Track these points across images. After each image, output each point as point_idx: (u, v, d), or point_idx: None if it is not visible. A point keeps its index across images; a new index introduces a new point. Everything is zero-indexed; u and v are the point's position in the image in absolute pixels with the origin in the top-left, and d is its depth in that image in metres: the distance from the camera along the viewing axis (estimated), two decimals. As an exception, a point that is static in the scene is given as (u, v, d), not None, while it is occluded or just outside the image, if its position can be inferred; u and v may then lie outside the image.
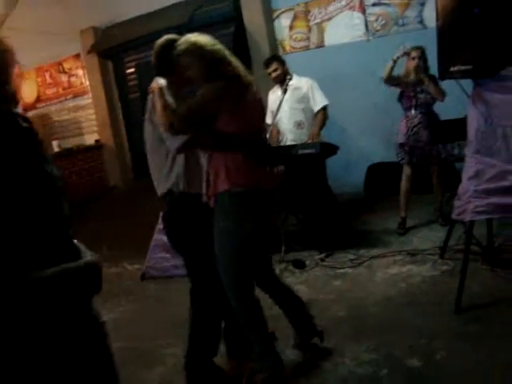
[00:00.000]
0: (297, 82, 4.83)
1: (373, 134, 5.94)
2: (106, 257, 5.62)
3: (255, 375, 2.60)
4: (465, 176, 3.06)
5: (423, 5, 5.59)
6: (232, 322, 2.71)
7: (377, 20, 5.90)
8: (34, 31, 7.79)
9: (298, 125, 4.93)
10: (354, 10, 6.01)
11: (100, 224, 6.85)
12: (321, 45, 6.30)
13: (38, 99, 8.93)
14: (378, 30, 5.92)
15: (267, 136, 4.18)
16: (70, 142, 8.46)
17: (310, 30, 6.32)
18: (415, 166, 4.65)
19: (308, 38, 6.37)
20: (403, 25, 5.75)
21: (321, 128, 4.90)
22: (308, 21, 6.31)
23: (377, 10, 5.88)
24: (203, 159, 2.45)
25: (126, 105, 8.05)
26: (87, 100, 8.38)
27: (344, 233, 4.81)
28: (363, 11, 5.95)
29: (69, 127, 8.68)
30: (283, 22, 6.46)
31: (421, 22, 5.64)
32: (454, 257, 3.81)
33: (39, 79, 8.82)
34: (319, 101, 4.87)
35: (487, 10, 2.79)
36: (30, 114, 8.98)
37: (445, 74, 3.00)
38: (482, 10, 2.80)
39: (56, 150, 8.08)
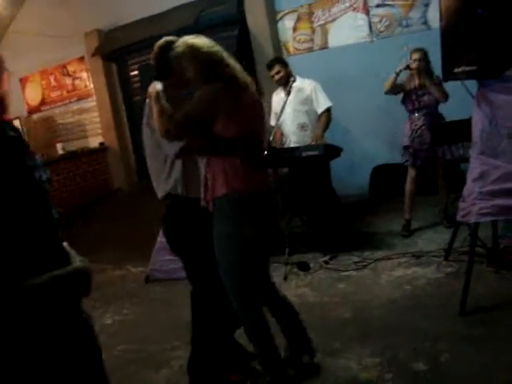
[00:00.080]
0: (300, 83, 4.82)
1: (377, 135, 5.93)
2: (110, 259, 5.64)
3: (259, 378, 2.59)
4: (469, 177, 3.05)
5: (427, 6, 5.57)
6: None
7: (381, 21, 5.88)
8: (38, 34, 7.83)
9: (302, 127, 4.92)
10: (357, 12, 5.99)
11: (104, 226, 6.86)
12: (325, 46, 6.29)
13: (43, 102, 8.95)
14: (381, 31, 5.91)
15: (271, 138, 4.19)
16: (75, 145, 8.47)
17: (313, 31, 6.31)
18: (420, 168, 4.63)
19: (312, 40, 6.35)
20: (407, 26, 5.74)
21: (324, 130, 4.89)
22: (312, 22, 6.29)
23: (381, 11, 5.86)
24: (201, 164, 2.44)
25: (130, 107, 8.06)
26: (91, 103, 8.39)
27: (348, 235, 4.80)
28: (367, 12, 5.94)
29: (73, 130, 8.70)
30: (287, 24, 6.45)
31: (425, 22, 5.62)
32: (459, 259, 3.79)
33: (44, 82, 8.84)
34: (323, 103, 4.86)
35: (491, 11, 2.78)
36: (34, 116, 9.05)
37: (449, 75, 2.99)
38: (486, 11, 2.78)
39: (60, 152, 8.11)
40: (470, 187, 3.02)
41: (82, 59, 8.30)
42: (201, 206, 2.43)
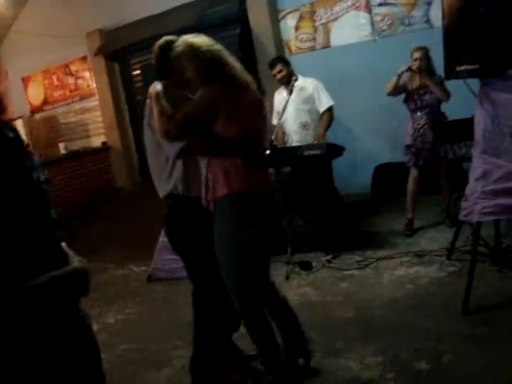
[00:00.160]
0: (302, 82, 4.82)
1: (379, 134, 5.92)
2: (112, 259, 5.65)
3: (261, 378, 2.59)
4: (472, 177, 3.04)
5: (430, 4, 5.55)
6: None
7: (383, 20, 5.87)
8: (40, 34, 7.84)
9: (304, 126, 4.91)
10: (359, 10, 5.98)
11: (107, 226, 6.87)
12: (327, 45, 6.28)
13: (46, 101, 8.96)
14: (384, 30, 5.89)
15: (273, 137, 4.18)
16: (77, 145, 8.48)
17: (315, 30, 6.30)
18: (422, 168, 4.62)
19: (314, 39, 6.34)
20: (409, 24, 5.72)
21: (326, 129, 4.88)
22: (314, 21, 6.28)
23: (383, 9, 5.85)
24: (202, 164, 2.44)
25: (132, 107, 8.06)
26: (94, 102, 8.40)
27: (351, 234, 4.79)
28: (369, 11, 5.92)
29: (76, 129, 8.70)
30: (289, 23, 6.43)
31: (427, 21, 5.60)
32: (462, 258, 3.78)
33: (46, 82, 8.85)
34: (325, 101, 4.86)
35: (493, 9, 2.77)
36: (37, 116, 9.06)
37: (451, 73, 2.98)
38: (488, 9, 2.77)
39: (63, 152, 8.12)
40: (473, 186, 3.01)
41: (84, 59, 8.31)
42: (201, 205, 2.43)
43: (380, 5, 5.85)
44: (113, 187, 8.34)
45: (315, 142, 4.75)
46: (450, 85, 4.23)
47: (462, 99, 3.51)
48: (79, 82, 8.51)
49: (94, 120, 8.50)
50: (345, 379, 2.63)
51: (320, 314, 3.44)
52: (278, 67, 4.83)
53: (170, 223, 2.61)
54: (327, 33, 6.23)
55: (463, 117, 3.83)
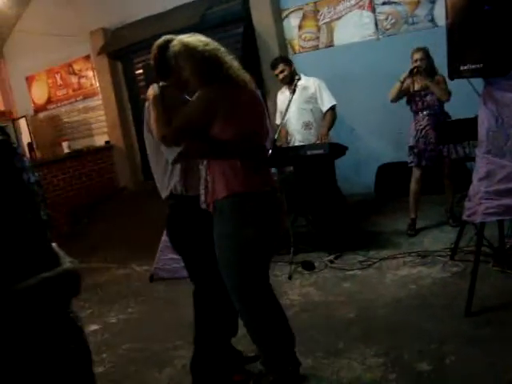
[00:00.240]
0: (305, 82, 4.81)
1: (382, 133, 5.90)
2: (115, 258, 5.66)
3: (262, 378, 2.58)
4: (475, 177, 3.02)
5: (433, 3, 5.52)
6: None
7: (387, 19, 5.84)
8: (44, 33, 7.85)
9: (306, 125, 4.90)
10: (363, 9, 5.96)
11: (109, 225, 6.88)
12: (330, 44, 6.26)
13: (49, 101, 8.97)
14: (387, 29, 5.87)
15: (275, 137, 4.17)
16: (80, 144, 8.48)
17: (319, 29, 6.28)
18: (425, 168, 4.61)
19: (317, 38, 6.32)
20: (413, 23, 5.69)
21: (329, 128, 4.87)
22: (317, 20, 6.26)
23: (386, 8, 5.82)
24: (201, 165, 2.43)
25: (135, 106, 8.05)
26: (97, 101, 8.40)
27: (353, 234, 4.78)
28: (373, 10, 5.90)
29: (79, 128, 8.71)
30: (292, 22, 6.42)
31: (431, 20, 5.58)
32: (465, 258, 3.76)
33: (50, 81, 8.86)
34: (327, 101, 4.84)
35: (498, 8, 2.74)
36: (40, 115, 9.08)
37: (454, 73, 2.95)
38: (493, 8, 2.75)
39: (66, 151, 8.11)
40: (476, 187, 2.99)
41: (87, 58, 8.31)
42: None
43: (384, 4, 5.82)
44: (116, 186, 8.35)
45: (318, 142, 4.73)
46: (453, 84, 4.20)
47: (465, 98, 3.49)
48: (82, 81, 8.52)
49: (97, 119, 8.51)
50: (346, 380, 2.62)
51: (322, 314, 3.43)
52: (280, 67, 4.82)
53: (170, 223, 2.61)
54: (331, 32, 6.21)
55: (467, 116, 3.81)
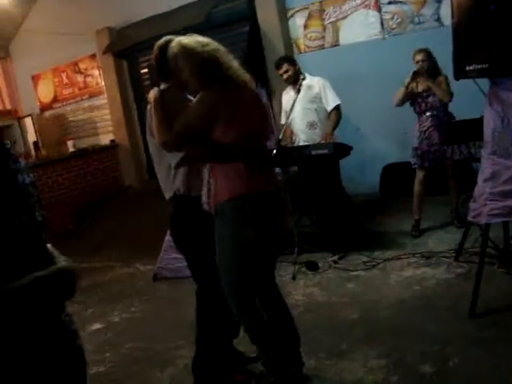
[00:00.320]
0: (309, 81, 4.79)
1: (387, 133, 5.87)
2: (119, 257, 5.66)
3: (263, 379, 2.57)
4: (481, 178, 3.00)
5: (440, 2, 5.49)
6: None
7: (392, 18, 5.82)
8: (50, 32, 7.87)
9: (311, 125, 4.88)
10: (369, 9, 5.93)
11: (114, 224, 6.89)
12: (336, 44, 6.24)
13: (55, 99, 9.00)
14: (393, 29, 5.84)
15: (280, 136, 4.16)
16: (86, 142, 8.51)
17: (324, 28, 6.26)
18: (429, 169, 4.58)
19: (323, 37, 6.30)
20: (419, 23, 5.67)
21: (334, 128, 4.84)
22: (323, 20, 6.24)
23: (392, 8, 5.80)
24: (204, 168, 2.42)
25: (141, 105, 8.05)
26: (102, 100, 8.42)
27: (358, 234, 4.76)
28: (379, 9, 5.88)
29: (84, 127, 8.73)
30: (298, 21, 6.40)
31: (438, 19, 5.55)
32: (470, 259, 3.73)
33: (56, 79, 8.89)
34: (332, 100, 4.82)
35: (504, 7, 2.72)
36: (46, 114, 9.12)
37: (460, 73, 2.93)
38: (499, 7, 2.73)
39: (71, 150, 8.14)
40: (481, 188, 2.97)
41: (93, 57, 8.33)
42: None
43: (389, 3, 5.80)
44: (121, 185, 8.36)
45: (323, 142, 4.71)
46: (459, 84, 4.17)
47: (470, 99, 3.46)
48: (88, 79, 8.54)
49: (102, 118, 8.53)
50: (349, 382, 2.60)
51: (325, 315, 3.42)
52: (285, 67, 4.80)
53: (174, 223, 2.61)
54: (336, 31, 6.19)
55: (472, 117, 3.78)
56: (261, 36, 6.49)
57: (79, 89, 8.68)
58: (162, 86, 2.47)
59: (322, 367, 2.75)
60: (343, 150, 4.46)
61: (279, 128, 4.74)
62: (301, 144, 4.84)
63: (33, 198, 1.16)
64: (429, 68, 4.48)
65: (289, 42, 6.46)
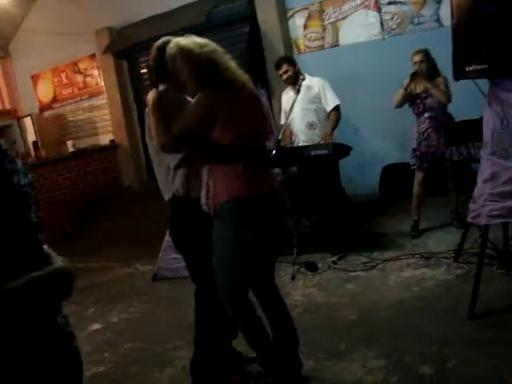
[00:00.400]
0: (309, 81, 4.79)
1: (387, 134, 5.87)
2: (118, 257, 5.66)
3: (261, 379, 2.57)
4: (480, 178, 2.99)
5: (439, 3, 5.49)
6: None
7: (392, 19, 5.82)
8: (49, 32, 7.87)
9: (310, 125, 4.88)
10: (369, 9, 5.93)
11: (114, 224, 6.88)
12: (336, 44, 6.24)
13: (55, 99, 8.99)
14: (393, 29, 5.84)
15: (279, 137, 4.16)
16: (85, 142, 8.50)
17: (324, 29, 6.26)
18: (428, 170, 4.58)
19: (323, 38, 6.30)
20: (419, 23, 5.66)
21: (333, 128, 4.84)
22: (322, 20, 6.24)
23: (392, 8, 5.80)
24: (203, 169, 2.43)
25: (140, 105, 8.03)
26: (102, 100, 8.41)
27: (357, 235, 4.75)
28: (378, 10, 5.87)
29: (84, 127, 8.72)
30: (297, 22, 6.40)
31: (437, 20, 5.55)
32: (469, 260, 3.73)
33: (55, 79, 8.88)
34: (331, 100, 4.82)
35: (504, 8, 2.71)
36: (46, 114, 9.11)
37: (460, 74, 2.93)
38: (499, 8, 2.72)
39: (71, 150, 8.13)
40: (481, 188, 2.97)
41: (93, 56, 8.33)
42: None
43: (389, 3, 5.80)
44: (120, 185, 8.35)
45: (322, 142, 4.71)
46: (459, 85, 4.17)
47: (470, 99, 3.45)
48: (88, 79, 8.54)
49: (102, 118, 8.52)
50: (348, 383, 2.60)
51: (325, 316, 3.42)
52: (284, 67, 4.80)
53: (173, 223, 2.62)
54: (336, 32, 6.19)
55: (472, 117, 3.77)
56: (261, 36, 6.49)
57: (79, 89, 8.67)
58: (161, 88, 2.47)
59: (321, 368, 2.75)
60: (343, 150, 4.46)
61: (279, 128, 4.73)
62: (300, 144, 4.84)
63: (30, 199, 1.15)
64: (427, 69, 4.47)
65: (289, 42, 6.46)
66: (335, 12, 6.14)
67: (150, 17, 7.33)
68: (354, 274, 4.03)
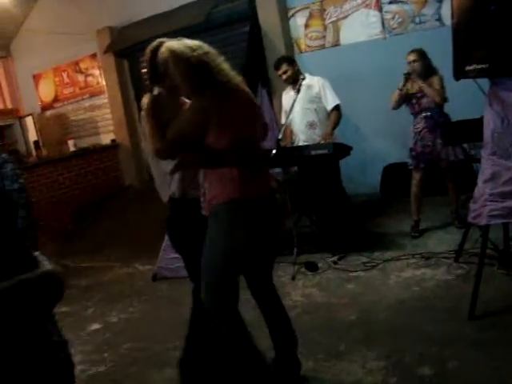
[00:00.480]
0: (309, 81, 4.77)
1: (388, 133, 5.84)
2: (118, 257, 5.66)
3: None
4: (480, 179, 2.98)
5: (441, 2, 5.47)
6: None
7: (393, 18, 5.80)
8: (51, 32, 7.88)
9: (310, 125, 4.86)
10: (370, 8, 5.92)
11: (114, 223, 6.88)
12: (336, 43, 6.22)
13: (56, 99, 9.00)
14: (394, 28, 5.83)
15: (280, 136, 4.15)
16: (86, 142, 8.51)
17: (325, 28, 6.24)
18: (425, 170, 4.56)
19: (324, 37, 6.29)
20: (420, 23, 5.65)
21: (334, 128, 4.83)
22: (323, 19, 6.23)
23: (393, 7, 5.78)
24: (200, 173, 2.43)
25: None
26: (103, 99, 8.41)
27: (358, 235, 4.74)
28: (379, 9, 5.86)
29: (85, 127, 8.73)
30: (298, 21, 6.39)
31: (438, 19, 5.53)
32: (470, 261, 3.71)
33: (57, 79, 8.89)
34: (331, 100, 4.80)
35: (504, 7, 2.70)
36: (47, 113, 9.12)
37: (460, 73, 2.92)
38: (499, 7, 2.71)
39: (72, 149, 8.14)
40: (481, 189, 2.95)
41: (94, 56, 8.33)
42: (200, 208, 2.42)
43: (390, 3, 5.78)
44: (121, 185, 8.35)
45: (322, 142, 4.70)
46: (459, 84, 4.15)
47: (471, 99, 3.44)
48: (89, 79, 8.54)
49: (103, 117, 8.52)
50: (347, 383, 2.59)
51: (324, 316, 3.41)
52: (283, 68, 4.78)
53: (170, 224, 2.62)
54: (337, 31, 6.18)
55: (473, 117, 3.76)
56: (261, 36, 6.48)
57: (80, 88, 8.68)
58: (156, 91, 2.46)
59: (321, 368, 2.75)
60: (343, 150, 4.45)
61: (279, 128, 4.72)
62: (300, 144, 4.83)
63: (19, 203, 1.15)
64: (422, 68, 4.46)
65: (289, 41, 6.44)
66: (336, 11, 6.12)
67: (150, 16, 7.33)
68: (354, 274, 4.02)
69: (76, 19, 7.81)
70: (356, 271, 4.05)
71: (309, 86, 4.77)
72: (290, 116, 4.60)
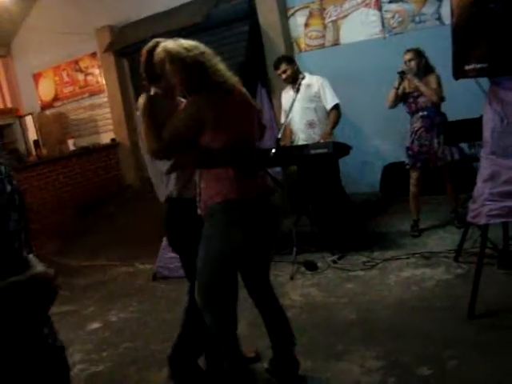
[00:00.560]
0: (309, 80, 4.77)
1: (388, 133, 5.83)
2: (118, 256, 5.65)
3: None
4: (480, 178, 2.98)
5: (441, 1, 5.45)
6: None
7: (393, 17, 5.79)
8: (50, 31, 7.88)
9: (310, 124, 4.86)
10: (370, 7, 5.91)
11: (114, 222, 6.88)
12: (336, 43, 6.21)
13: (56, 98, 8.99)
14: (394, 28, 5.82)
15: (279, 135, 4.15)
16: (86, 141, 8.50)
17: (325, 27, 6.23)
18: (422, 170, 4.55)
19: (323, 36, 6.28)
20: (420, 22, 5.64)
21: (333, 127, 4.82)
22: (323, 18, 6.22)
23: (393, 6, 5.77)
24: (196, 173, 2.43)
25: (141, 104, 8.04)
26: (103, 99, 8.41)
27: (357, 234, 4.74)
28: (379, 8, 5.85)
29: (85, 126, 8.72)
30: (298, 20, 6.38)
31: (438, 18, 5.52)
32: (469, 260, 3.70)
33: (56, 78, 8.88)
34: (330, 99, 4.80)
35: (504, 6, 2.70)
36: (47, 112, 9.11)
37: (459, 73, 2.91)
38: (499, 6, 2.70)
39: (72, 148, 8.14)
40: (481, 188, 2.95)
41: (94, 55, 8.33)
42: (196, 208, 2.43)
43: (390, 2, 5.77)
44: (121, 184, 8.35)
45: (322, 141, 4.69)
46: (459, 83, 4.13)
47: (470, 98, 3.44)
48: (89, 78, 8.54)
49: (103, 116, 8.52)
50: (345, 383, 2.59)
51: (323, 315, 3.40)
52: (283, 67, 4.78)
53: (167, 223, 2.63)
54: (337, 30, 6.17)
55: (472, 117, 3.75)
56: (261, 35, 6.46)
57: (80, 87, 8.67)
58: (152, 91, 2.46)
59: (319, 368, 2.74)
60: (342, 149, 4.44)
61: (279, 127, 4.72)
62: (300, 143, 4.82)
63: (8, 207, 1.13)
64: (418, 67, 4.45)
65: (289, 40, 6.44)
66: (336, 10, 6.11)
67: (150, 15, 7.32)
68: (353, 273, 4.01)
69: (76, 18, 7.81)
70: (355, 270, 4.05)
71: (308, 86, 4.76)
72: (290, 115, 4.60)
